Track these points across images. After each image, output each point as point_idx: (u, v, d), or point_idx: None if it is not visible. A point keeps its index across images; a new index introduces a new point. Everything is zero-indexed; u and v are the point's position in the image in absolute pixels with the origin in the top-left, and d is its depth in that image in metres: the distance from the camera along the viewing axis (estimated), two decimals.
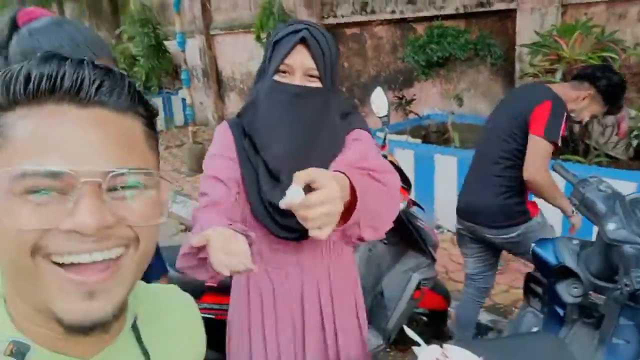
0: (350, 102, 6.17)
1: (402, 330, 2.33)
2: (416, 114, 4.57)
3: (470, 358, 1.05)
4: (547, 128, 1.93)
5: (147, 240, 0.53)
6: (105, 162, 0.48)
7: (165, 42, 8.26)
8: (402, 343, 2.54)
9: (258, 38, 4.86)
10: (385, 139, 2.35)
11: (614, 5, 3.80)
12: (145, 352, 0.61)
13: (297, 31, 1.11)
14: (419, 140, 4.23)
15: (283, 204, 0.82)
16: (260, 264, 1.24)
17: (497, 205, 2.11)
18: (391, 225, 1.06)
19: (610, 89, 2.05)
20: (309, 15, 5.93)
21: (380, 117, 2.27)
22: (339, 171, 0.92)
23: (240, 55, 7.41)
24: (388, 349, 2.58)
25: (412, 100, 4.52)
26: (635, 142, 3.26)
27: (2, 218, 0.46)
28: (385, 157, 2.18)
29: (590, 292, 1.56)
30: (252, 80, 5.93)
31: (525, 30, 4.08)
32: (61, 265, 0.48)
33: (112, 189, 0.49)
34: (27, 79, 0.47)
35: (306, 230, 0.87)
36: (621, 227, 1.42)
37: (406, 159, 3.72)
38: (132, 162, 0.50)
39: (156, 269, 1.23)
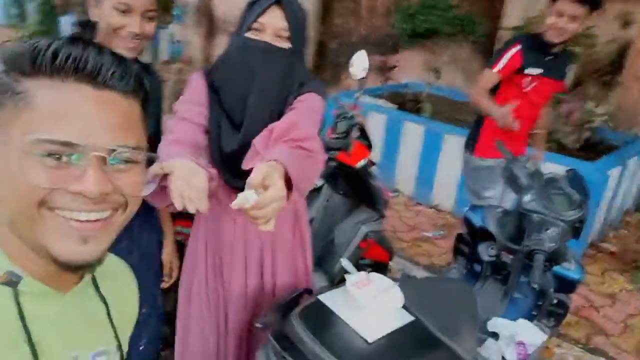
0: (338, 59, 6.26)
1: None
2: (395, 80, 4.72)
3: (387, 282, 1.30)
4: (490, 59, 2.34)
5: (133, 205, 0.64)
6: (111, 139, 0.57)
7: None
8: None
9: None
10: (357, 99, 2.52)
11: None
12: (104, 300, 0.72)
13: None
14: (394, 106, 4.41)
15: (236, 205, 0.86)
16: (218, 206, 1.33)
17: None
18: (313, 185, 1.18)
19: None
20: None
21: (357, 79, 2.44)
22: (277, 160, 1.00)
23: None
24: None
25: (394, 67, 4.66)
26: (586, 134, 3.52)
27: (17, 173, 0.55)
28: (353, 117, 2.37)
29: (503, 252, 1.83)
30: None
31: (514, 12, 4.23)
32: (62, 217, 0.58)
33: (113, 161, 0.59)
34: (55, 55, 0.55)
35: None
36: (534, 199, 1.67)
37: (378, 123, 3.91)
38: (131, 140, 0.60)
39: None
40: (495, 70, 2.25)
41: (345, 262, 1.42)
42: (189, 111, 1.24)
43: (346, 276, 1.35)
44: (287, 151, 1.04)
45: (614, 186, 3.24)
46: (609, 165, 3.14)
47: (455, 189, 3.55)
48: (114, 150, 0.58)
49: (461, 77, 4.98)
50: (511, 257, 1.78)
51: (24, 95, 0.55)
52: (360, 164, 2.42)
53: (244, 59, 1.23)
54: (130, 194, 0.62)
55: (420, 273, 2.88)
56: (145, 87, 0.64)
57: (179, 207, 0.93)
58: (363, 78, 2.47)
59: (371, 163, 2.54)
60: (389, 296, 1.28)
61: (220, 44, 8.07)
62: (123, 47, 1.26)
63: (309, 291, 1.46)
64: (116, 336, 0.74)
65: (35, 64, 0.55)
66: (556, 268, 1.67)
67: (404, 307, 1.28)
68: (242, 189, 1.27)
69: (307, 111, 1.24)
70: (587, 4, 2.10)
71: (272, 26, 1.21)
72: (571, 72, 2.48)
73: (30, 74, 0.55)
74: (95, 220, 0.59)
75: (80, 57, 0.55)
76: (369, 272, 2.83)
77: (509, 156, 1.91)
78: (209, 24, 8.19)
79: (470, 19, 4.02)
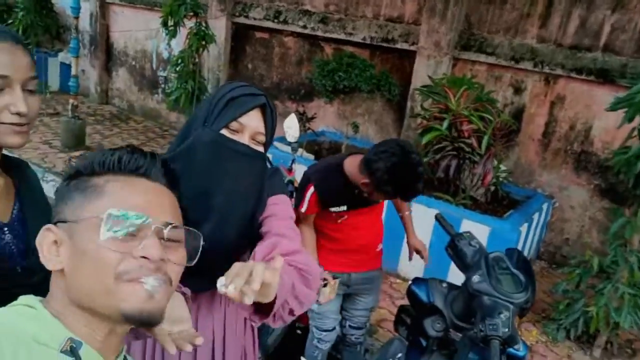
0: None
1: (280, 345, 2.46)
2: (313, 130, 4.76)
3: None
4: (295, 198, 2.13)
5: (175, 279, 0.74)
6: (165, 216, 0.72)
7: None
8: (279, 357, 2.66)
9: (165, 24, 4.63)
10: (292, 163, 2.45)
11: (493, 68, 4.38)
12: None
13: (256, 95, 1.16)
14: (312, 156, 4.41)
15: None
16: None
17: None
18: (307, 309, 1.14)
19: (381, 182, 1.90)
20: (220, 11, 5.81)
21: (290, 143, 2.37)
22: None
23: (139, 32, 6.97)
24: None
25: (313, 117, 4.69)
26: (492, 189, 3.81)
27: (93, 249, 0.67)
28: (292, 182, 2.29)
29: (451, 329, 1.83)
30: (146, 60, 5.73)
31: (421, 73, 4.51)
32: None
33: (164, 238, 0.71)
34: (119, 159, 0.72)
35: (205, 285, 1.04)
36: (483, 280, 1.69)
37: (299, 173, 3.86)
38: (177, 220, 0.75)
39: None
40: (303, 210, 2.08)
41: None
42: None
43: None
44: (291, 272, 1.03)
45: (523, 240, 3.51)
46: (520, 221, 3.40)
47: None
48: (169, 225, 0.71)
49: (374, 129, 5.16)
50: (459, 334, 1.79)
51: (93, 188, 0.70)
52: None
53: (216, 157, 1.14)
54: (178, 264, 0.73)
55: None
56: (178, 183, 0.80)
57: (172, 351, 0.89)
58: (296, 142, 2.42)
59: None
60: None
61: (121, 78, 7.59)
62: (8, 134, 0.93)
63: None
64: None
65: (105, 165, 0.72)
66: None
67: None
68: (206, 288, 1.19)
69: (289, 222, 1.22)
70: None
71: (251, 129, 1.16)
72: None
73: (99, 173, 0.71)
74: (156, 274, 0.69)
75: (138, 160, 0.73)
76: (301, 335, 2.71)
77: (452, 231, 1.95)
78: (107, 56, 7.69)
79: (386, 78, 4.20)
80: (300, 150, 4.41)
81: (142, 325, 0.70)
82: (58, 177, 4.70)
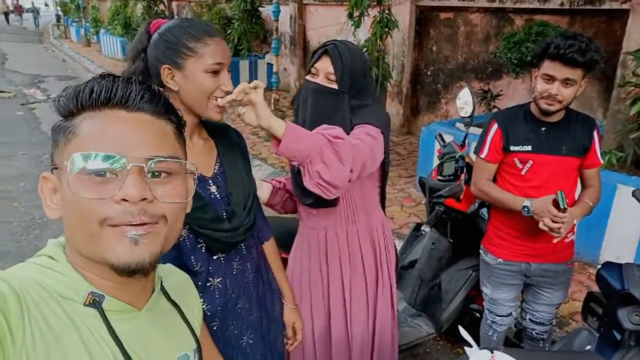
0: (434, 87, 6.10)
1: (453, 323, 2.44)
2: (499, 109, 4.46)
3: None
4: (476, 145, 2.00)
5: (174, 219, 0.68)
6: (146, 151, 0.64)
7: (260, 8, 8.51)
8: (451, 335, 2.64)
9: (350, 15, 4.90)
10: (465, 139, 2.39)
11: None
12: (176, 305, 0.80)
13: (325, 45, 1.50)
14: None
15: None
16: (303, 229, 1.73)
17: None
18: (338, 183, 1.31)
19: (542, 47, 1.81)
20: None
21: (463, 118, 2.31)
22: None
23: (330, 27, 7.49)
24: (438, 339, 2.69)
25: (498, 95, 4.41)
26: None
27: (71, 194, 0.62)
28: (463, 158, 2.23)
29: None
30: None
31: (636, 34, 3.82)
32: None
33: (150, 172, 0.65)
34: (91, 91, 0.65)
35: (317, 201, 1.44)
36: None
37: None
38: (165, 151, 0.67)
39: (266, 233, 1.43)
40: (483, 156, 1.93)
41: (463, 332, 1.28)
42: None
43: (467, 350, 1.22)
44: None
45: None
46: None
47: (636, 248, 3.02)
48: (150, 160, 0.64)
49: (574, 105, 4.58)
50: None
51: (71, 129, 0.64)
52: (472, 208, 2.27)
53: (305, 95, 1.54)
54: (170, 201, 0.66)
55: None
56: (176, 111, 0.72)
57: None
58: (470, 116, 2.33)
59: (482, 205, 2.37)
60: None
61: None
62: (214, 111, 1.18)
63: None
64: (194, 335, 0.80)
65: (77, 103, 0.65)
66: None
67: None
68: (307, 205, 1.63)
69: (358, 135, 1.44)
70: (581, 66, 1.70)
71: (323, 71, 1.49)
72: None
73: (77, 112, 0.65)
74: (141, 224, 0.63)
75: (111, 88, 0.65)
76: (477, 318, 2.63)
77: None
78: (304, 53, 8.46)
79: None
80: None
81: (133, 274, 0.64)
82: (262, 162, 5.41)
